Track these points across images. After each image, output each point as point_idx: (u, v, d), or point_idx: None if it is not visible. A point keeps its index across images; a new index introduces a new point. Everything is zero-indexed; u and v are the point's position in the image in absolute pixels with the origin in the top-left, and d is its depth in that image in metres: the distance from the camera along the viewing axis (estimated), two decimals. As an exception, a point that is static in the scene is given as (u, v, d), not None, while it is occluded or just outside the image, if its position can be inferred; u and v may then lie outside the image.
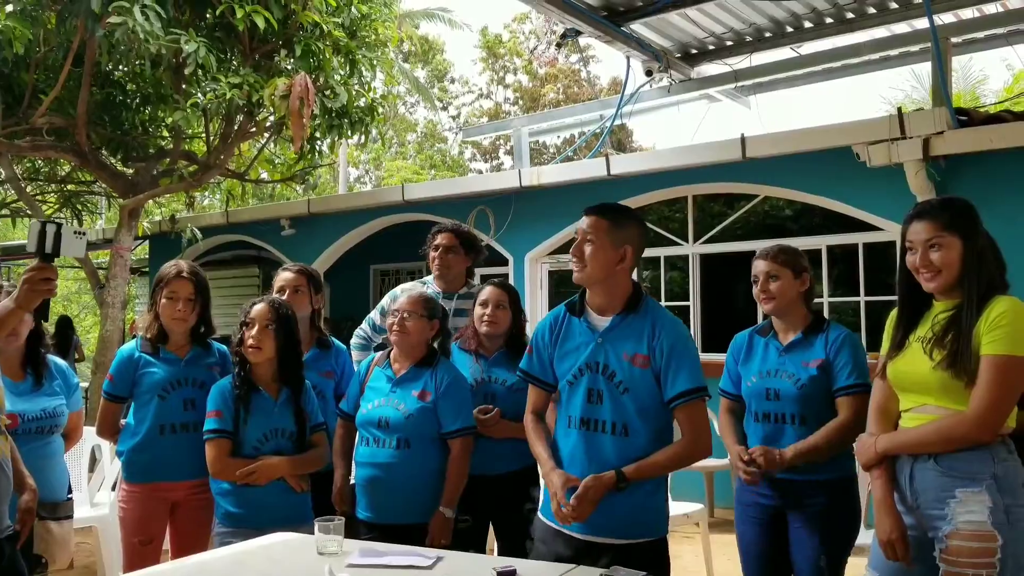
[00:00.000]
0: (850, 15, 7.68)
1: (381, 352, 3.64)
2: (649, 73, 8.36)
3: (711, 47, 8.48)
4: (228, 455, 3.23)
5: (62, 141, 8.07)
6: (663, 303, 7.63)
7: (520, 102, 25.65)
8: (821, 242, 7.15)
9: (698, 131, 9.58)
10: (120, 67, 8.19)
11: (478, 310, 3.70)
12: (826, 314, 7.00)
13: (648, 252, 7.99)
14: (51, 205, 10.31)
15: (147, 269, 12.61)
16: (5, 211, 10.36)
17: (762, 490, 3.14)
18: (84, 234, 2.51)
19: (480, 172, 26.14)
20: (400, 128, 27.05)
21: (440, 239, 4.17)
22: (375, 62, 8.47)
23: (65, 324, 11.85)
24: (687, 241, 7.83)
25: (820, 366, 3.06)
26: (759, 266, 3.21)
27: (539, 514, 2.86)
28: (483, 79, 26.91)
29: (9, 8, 6.60)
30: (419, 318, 3.42)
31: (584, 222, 2.69)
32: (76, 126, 7.66)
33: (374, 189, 13.46)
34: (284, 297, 3.69)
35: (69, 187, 10.11)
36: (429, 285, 4.26)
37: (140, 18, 6.46)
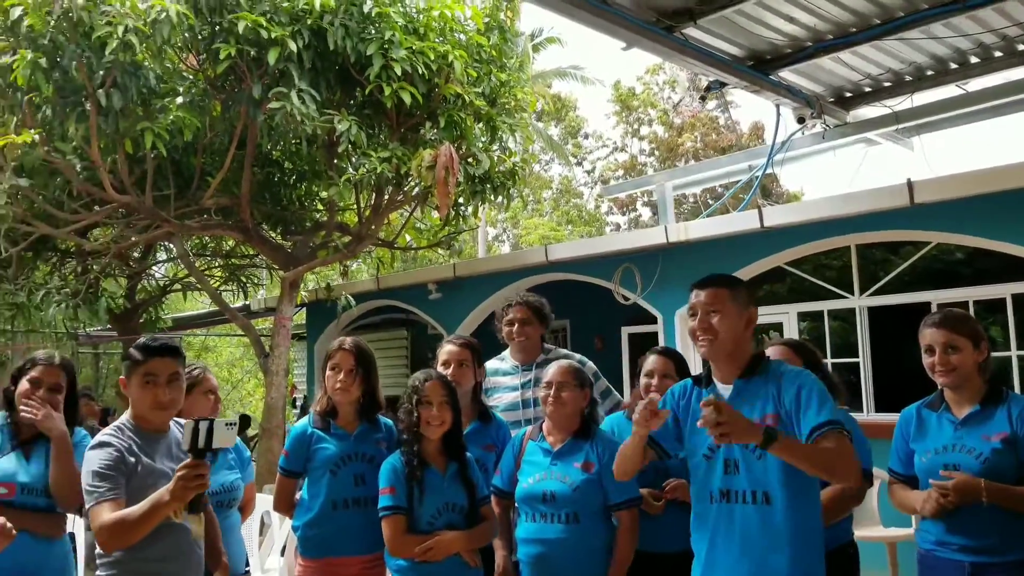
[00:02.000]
0: (1022, 46, 7.14)
1: (533, 425, 3.59)
2: (801, 120, 8.03)
3: (867, 89, 8.05)
4: (405, 532, 3.22)
5: (227, 219, 8.58)
6: (828, 360, 7.20)
7: (656, 152, 25.48)
8: (1005, 290, 6.57)
9: (856, 176, 9.07)
10: (279, 147, 8.68)
11: (643, 381, 3.58)
12: (1015, 369, 6.46)
13: (810, 305, 7.65)
14: (218, 278, 10.95)
15: (304, 333, 13.15)
16: (177, 285, 11.08)
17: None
18: (234, 425, 2.64)
19: (618, 226, 26.04)
20: (536, 186, 27.42)
21: (513, 313, 4.17)
22: (514, 127, 8.61)
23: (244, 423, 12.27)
24: (852, 293, 7.38)
25: (1005, 439, 2.87)
26: (934, 335, 3.02)
27: None
28: (617, 132, 26.98)
29: (180, 100, 7.10)
30: (573, 388, 3.38)
31: (701, 296, 2.71)
32: (240, 204, 8.14)
33: (518, 251, 13.55)
34: (449, 371, 3.69)
35: (234, 261, 10.73)
36: (506, 359, 4.25)
37: (297, 101, 6.85)
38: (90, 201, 8.14)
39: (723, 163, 10.39)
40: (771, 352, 3.35)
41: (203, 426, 2.54)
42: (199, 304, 15.33)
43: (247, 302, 11.70)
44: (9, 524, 2.46)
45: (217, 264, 10.99)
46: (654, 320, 8.51)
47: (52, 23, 6.39)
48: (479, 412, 3.86)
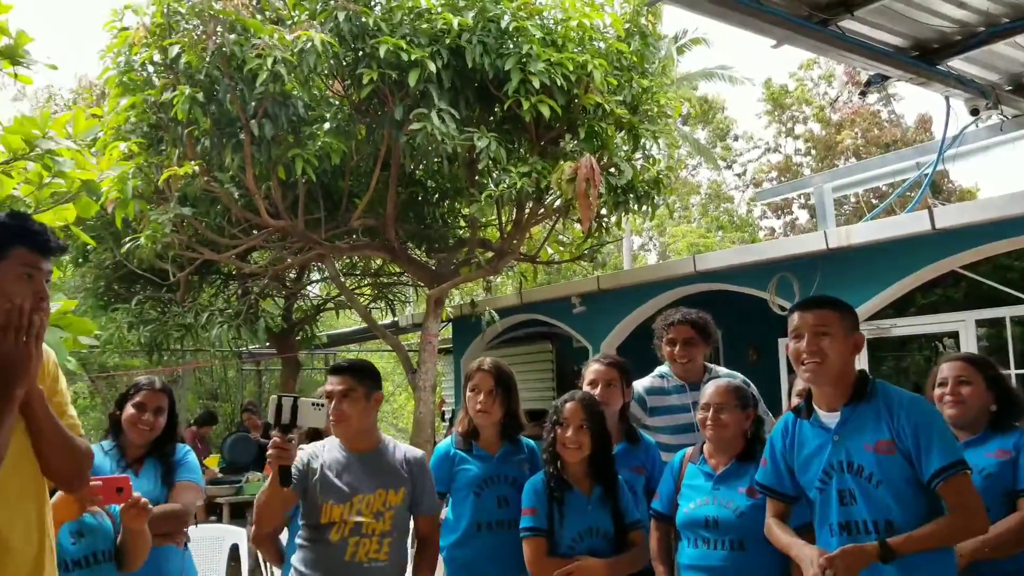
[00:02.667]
0: None
1: (692, 447, 3.41)
2: (975, 112, 7.32)
3: (1053, 75, 7.28)
4: (545, 554, 3.14)
5: (374, 239, 8.78)
6: (1011, 371, 6.54)
7: (813, 152, 24.26)
8: None
9: (1040, 171, 8.22)
10: (421, 167, 8.81)
11: None
12: None
13: (989, 312, 6.99)
14: (367, 297, 11.26)
15: (451, 347, 13.32)
16: (330, 304, 11.48)
17: None
18: (322, 406, 2.76)
19: (772, 230, 24.98)
20: (683, 192, 26.77)
21: (675, 333, 3.98)
22: (657, 134, 8.35)
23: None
24: (1039, 297, 6.66)
25: None
26: None
27: None
28: (769, 132, 25.91)
29: (327, 126, 7.31)
30: (734, 409, 3.21)
31: (808, 318, 2.65)
32: (386, 224, 8.31)
33: (664, 262, 13.21)
34: (597, 390, 3.57)
35: (382, 279, 11.00)
36: (668, 377, 4.05)
37: (437, 121, 6.90)
38: (248, 226, 8.54)
39: (888, 161, 9.65)
40: (947, 368, 3.08)
41: (286, 403, 2.69)
42: (352, 321, 15.91)
43: (396, 319, 11.96)
44: (144, 500, 2.59)
45: (366, 283, 11.30)
46: (813, 332, 7.99)
47: (207, 59, 6.72)
48: (626, 433, 3.72)
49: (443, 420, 15.27)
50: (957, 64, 6.96)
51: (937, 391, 3.10)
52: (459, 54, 7.22)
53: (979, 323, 7.10)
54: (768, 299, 8.22)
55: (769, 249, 8.69)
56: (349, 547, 2.94)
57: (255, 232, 8.63)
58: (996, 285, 6.94)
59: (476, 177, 8.29)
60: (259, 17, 7.08)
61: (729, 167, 27.28)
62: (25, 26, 3.27)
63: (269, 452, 2.76)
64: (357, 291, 11.07)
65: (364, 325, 11.66)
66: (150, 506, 2.63)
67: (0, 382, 1.88)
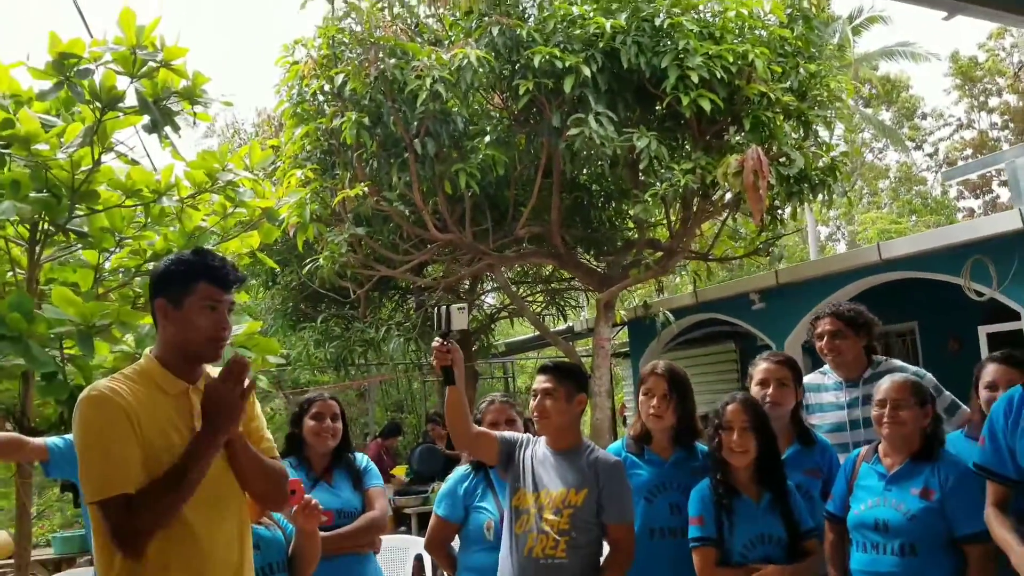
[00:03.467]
0: None
1: (868, 446, 3.23)
2: None
3: None
4: (715, 564, 3.05)
5: (541, 246, 8.88)
6: None
7: (1011, 125, 22.24)
8: None
9: None
10: (584, 172, 8.83)
11: None
12: None
13: None
14: (539, 304, 11.39)
15: (628, 351, 13.22)
16: (504, 313, 11.71)
17: None
18: (463, 309, 2.98)
19: (972, 211, 23.11)
20: (869, 177, 25.26)
21: (822, 326, 3.77)
22: (830, 120, 7.93)
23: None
24: None
25: None
26: None
27: None
28: (960, 108, 23.99)
29: (487, 139, 7.50)
30: (912, 406, 3.01)
31: None
32: (551, 231, 8.38)
33: (846, 252, 12.52)
34: (769, 390, 3.44)
35: (553, 286, 11.10)
36: (828, 374, 3.83)
37: (595, 125, 6.90)
38: (419, 241, 8.89)
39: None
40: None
41: (442, 311, 2.93)
42: (528, 329, 16.14)
43: (570, 324, 12.02)
44: (315, 501, 2.72)
45: (538, 290, 11.44)
46: (1017, 316, 7.34)
47: (371, 84, 7.07)
48: (799, 434, 3.53)
49: (624, 425, 15.17)
50: None
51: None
52: (614, 56, 7.20)
53: None
54: (963, 285, 7.59)
55: (960, 232, 8.04)
56: (528, 540, 2.96)
57: (427, 246, 8.97)
58: None
59: (640, 177, 8.20)
60: (417, 40, 7.39)
61: (919, 147, 25.53)
62: (201, 64, 3.57)
63: (434, 355, 2.98)
64: (529, 299, 11.23)
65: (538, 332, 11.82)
66: (320, 507, 2.76)
67: (210, 425, 2.08)
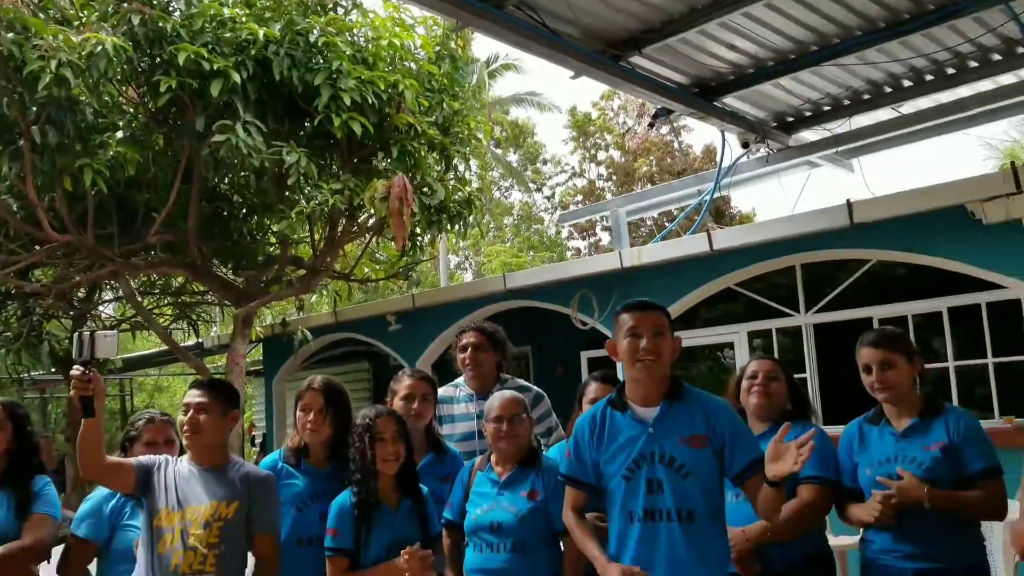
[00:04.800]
0: (951, 70, 7.33)
1: (481, 456, 3.54)
2: (746, 145, 8.14)
3: (808, 113, 8.22)
4: (345, 572, 3.14)
5: (174, 255, 8.34)
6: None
7: (614, 177, 25.57)
8: (941, 304, 6.68)
9: (800, 198, 9.21)
10: (226, 181, 8.48)
11: None
12: (952, 379, 6.59)
13: (758, 324, 7.68)
14: (167, 317, 10.66)
15: (260, 369, 12.86)
16: (125, 325, 10.77)
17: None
18: (112, 336, 2.91)
19: (578, 250, 26.05)
20: (496, 212, 27.37)
21: (466, 339, 4.13)
22: (468, 155, 8.52)
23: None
24: (798, 311, 7.41)
25: (943, 448, 2.99)
26: (870, 355, 3.12)
27: None
28: (575, 158, 27.05)
29: (120, 135, 6.91)
30: (523, 420, 3.39)
31: (647, 318, 2.79)
32: (187, 240, 7.91)
33: (477, 280, 13.46)
34: (415, 404, 3.64)
35: (184, 298, 10.46)
36: (461, 387, 4.19)
37: (242, 134, 6.69)
38: (29, 241, 7.87)
39: (675, 187, 10.54)
40: (756, 364, 3.46)
41: (85, 337, 2.82)
42: (152, 343, 14.97)
43: (200, 340, 11.40)
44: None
45: (166, 302, 10.70)
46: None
47: (-21, 58, 6.17)
48: (433, 444, 3.79)
49: (253, 445, 14.65)
50: (731, 101, 7.72)
51: (746, 383, 3.42)
52: (266, 66, 7.04)
53: (751, 334, 7.78)
54: (571, 315, 8.59)
55: (571, 268, 9.11)
56: (174, 559, 2.88)
57: (37, 247, 7.97)
58: (765, 300, 7.64)
59: (286, 193, 8.08)
60: (41, 16, 6.58)
61: (539, 190, 28.21)
62: None
63: (72, 385, 2.81)
64: (156, 311, 10.45)
65: (165, 347, 11.04)
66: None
67: None
